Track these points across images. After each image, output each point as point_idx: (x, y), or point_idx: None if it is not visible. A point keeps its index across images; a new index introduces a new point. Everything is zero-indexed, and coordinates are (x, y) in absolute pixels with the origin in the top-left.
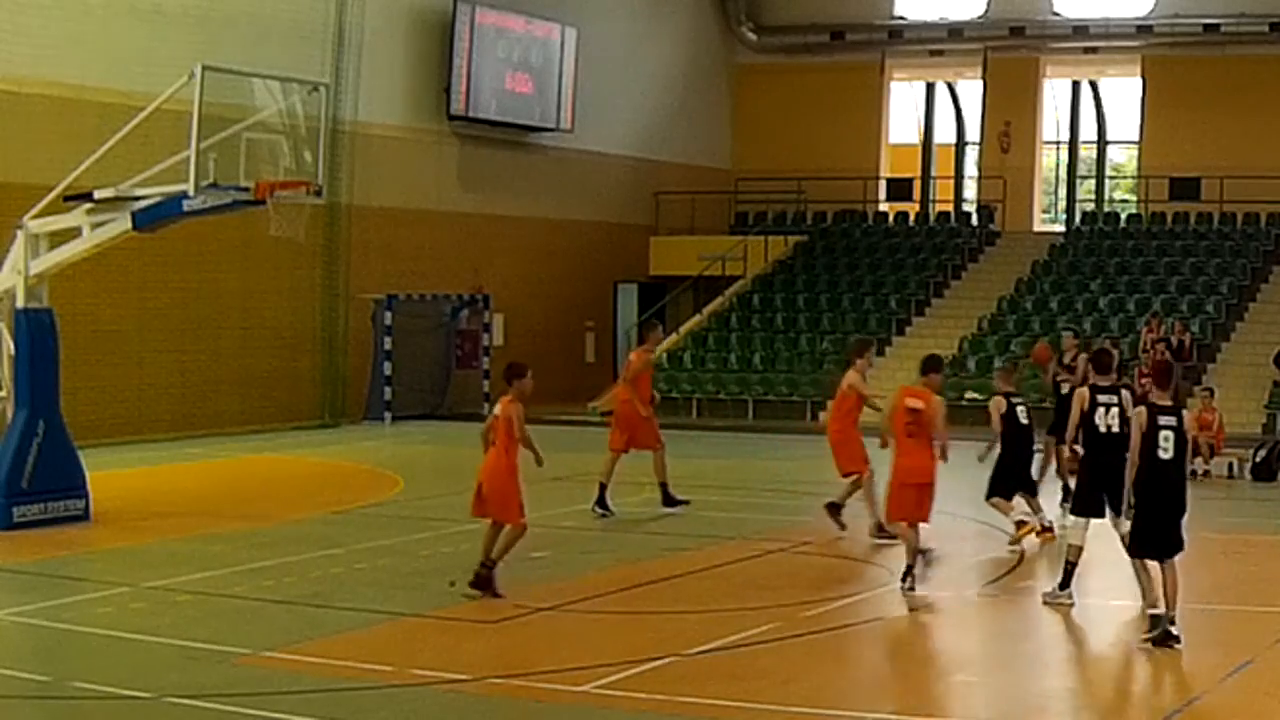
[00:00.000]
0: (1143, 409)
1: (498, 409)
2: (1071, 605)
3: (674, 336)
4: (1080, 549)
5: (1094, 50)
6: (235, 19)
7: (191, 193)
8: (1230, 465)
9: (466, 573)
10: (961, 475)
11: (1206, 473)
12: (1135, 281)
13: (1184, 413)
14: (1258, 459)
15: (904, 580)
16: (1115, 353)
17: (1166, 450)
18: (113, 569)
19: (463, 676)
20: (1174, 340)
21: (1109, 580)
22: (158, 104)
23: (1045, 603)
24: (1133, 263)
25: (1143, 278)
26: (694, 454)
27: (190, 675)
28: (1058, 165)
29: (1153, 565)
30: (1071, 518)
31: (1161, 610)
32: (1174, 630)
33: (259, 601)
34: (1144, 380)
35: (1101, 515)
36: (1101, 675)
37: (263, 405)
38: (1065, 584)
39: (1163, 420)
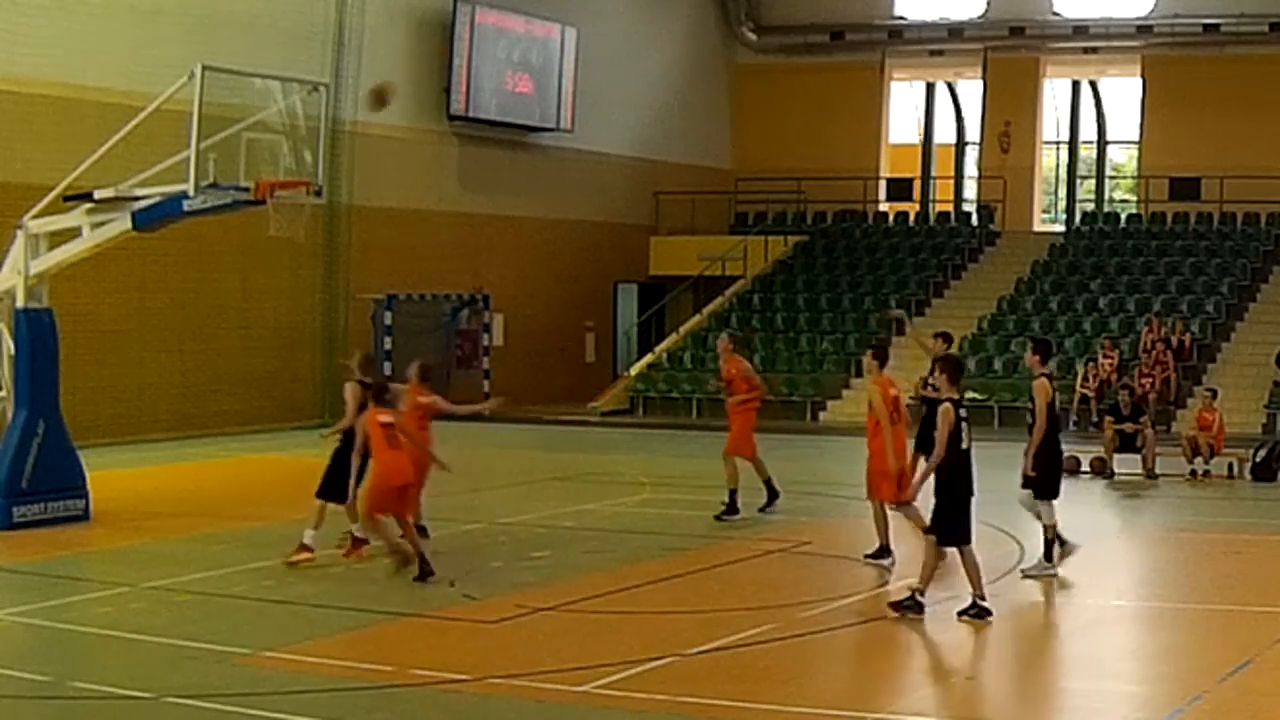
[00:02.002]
0: (949, 404)
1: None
2: (1054, 576)
3: (674, 336)
4: (1055, 525)
5: (1094, 50)
6: (235, 19)
7: (191, 193)
8: (1230, 465)
9: (467, 572)
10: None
11: (1207, 473)
12: (1135, 281)
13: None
14: (1258, 459)
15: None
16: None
17: (965, 441)
18: (112, 569)
19: (463, 676)
20: (1174, 340)
21: (1110, 580)
22: (158, 104)
23: (1027, 576)
24: (1133, 263)
25: (1143, 278)
26: (694, 454)
27: (190, 675)
28: (1058, 165)
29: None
30: (1039, 502)
31: (922, 588)
32: (986, 605)
33: (259, 601)
34: (1144, 380)
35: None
36: (1100, 675)
37: (262, 405)
38: (1049, 556)
39: (961, 413)
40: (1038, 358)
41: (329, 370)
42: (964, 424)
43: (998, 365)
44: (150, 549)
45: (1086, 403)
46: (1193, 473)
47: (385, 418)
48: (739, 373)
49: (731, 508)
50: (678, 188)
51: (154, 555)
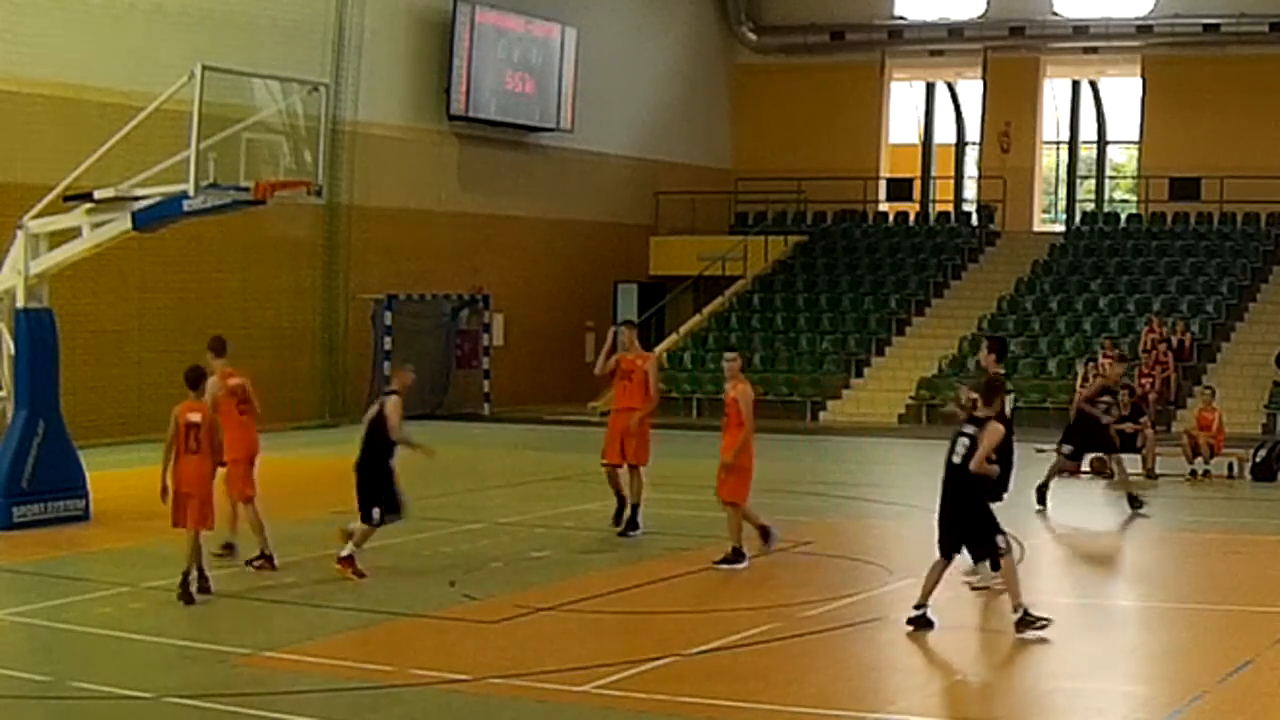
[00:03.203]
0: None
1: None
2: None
3: (674, 336)
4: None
5: (1094, 50)
6: (235, 19)
7: (191, 193)
8: (1230, 465)
9: (467, 572)
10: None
11: (1207, 473)
12: (1135, 281)
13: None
14: (1258, 459)
15: None
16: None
17: (957, 455)
18: (112, 569)
19: (462, 676)
20: (1174, 340)
21: (1110, 580)
22: (158, 104)
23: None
24: (1133, 263)
25: (1143, 278)
26: (694, 454)
27: (190, 675)
28: (1058, 165)
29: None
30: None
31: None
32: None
33: (259, 601)
34: (1144, 380)
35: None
36: (1101, 675)
37: (263, 405)
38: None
39: (967, 429)
40: (993, 356)
41: (329, 370)
42: (961, 439)
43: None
44: (150, 549)
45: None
46: (1193, 472)
47: (194, 416)
48: (644, 366)
49: (631, 521)
50: (678, 187)
51: (154, 555)
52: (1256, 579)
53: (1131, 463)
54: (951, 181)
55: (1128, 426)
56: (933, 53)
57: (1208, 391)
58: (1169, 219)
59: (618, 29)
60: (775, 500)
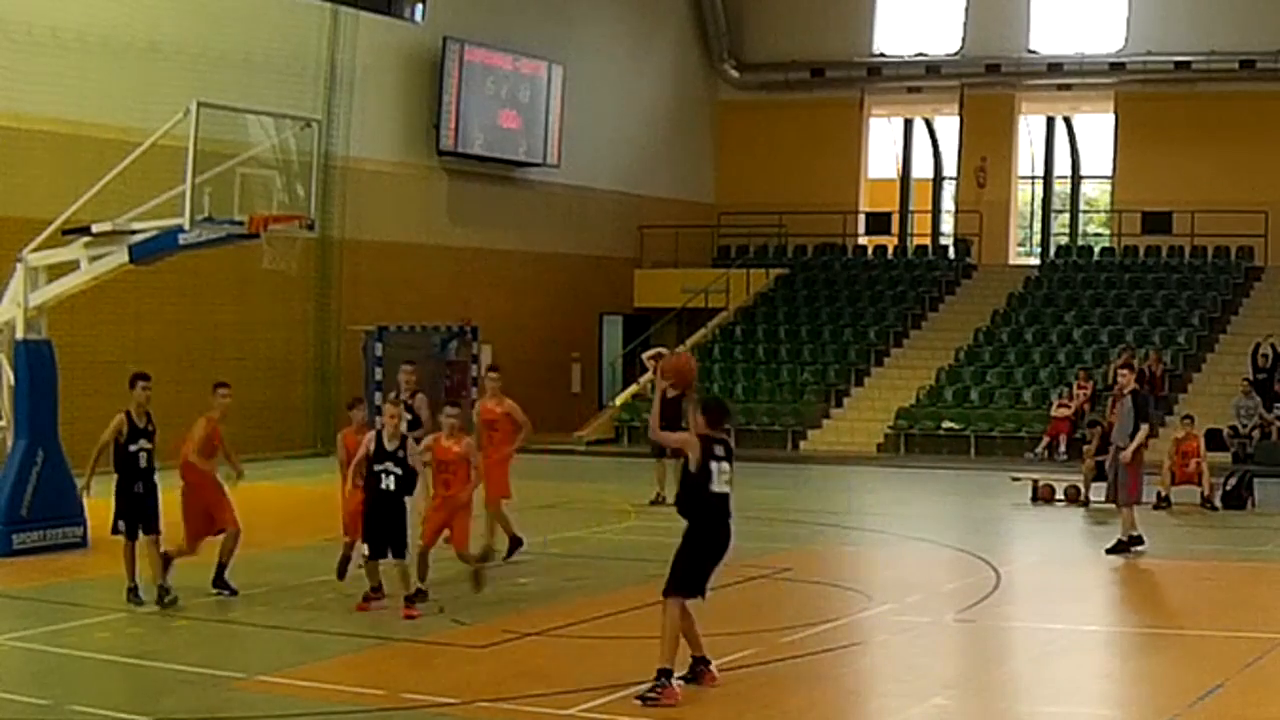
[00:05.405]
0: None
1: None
2: None
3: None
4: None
5: (1068, 87)
6: (230, 57)
7: (187, 226)
8: (1202, 493)
9: (456, 598)
10: (942, 502)
11: (1210, 503)
12: (1109, 313)
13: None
14: (1228, 487)
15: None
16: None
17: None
18: (110, 595)
19: (452, 700)
20: (1147, 371)
21: (1082, 605)
22: (154, 140)
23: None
24: (1106, 295)
25: (1116, 310)
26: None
27: (186, 699)
28: (1033, 199)
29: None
30: None
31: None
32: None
33: (253, 627)
34: (1114, 412)
35: None
36: (1074, 699)
37: (256, 434)
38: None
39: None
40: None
41: (321, 400)
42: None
43: (974, 396)
44: (146, 575)
45: (1058, 433)
46: (1165, 500)
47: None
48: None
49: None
50: (661, 221)
51: (150, 581)
52: (1227, 604)
53: (1100, 491)
54: (929, 215)
55: (1099, 456)
56: (911, 89)
57: (1188, 420)
58: (1141, 252)
59: (604, 67)
60: (757, 527)
